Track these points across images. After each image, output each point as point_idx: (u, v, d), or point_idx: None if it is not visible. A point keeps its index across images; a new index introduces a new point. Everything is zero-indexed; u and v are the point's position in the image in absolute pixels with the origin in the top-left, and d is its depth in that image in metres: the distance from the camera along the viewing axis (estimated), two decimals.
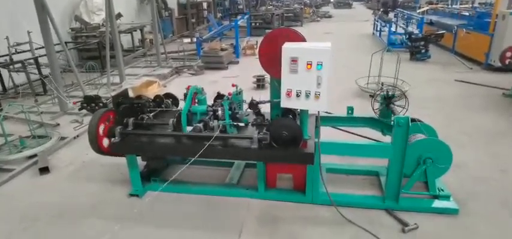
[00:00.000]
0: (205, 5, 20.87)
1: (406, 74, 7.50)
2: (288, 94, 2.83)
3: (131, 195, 3.72)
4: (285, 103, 2.90)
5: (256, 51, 11.39)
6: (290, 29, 2.98)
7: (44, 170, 4.24)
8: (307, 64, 2.70)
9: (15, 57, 7.43)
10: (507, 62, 6.44)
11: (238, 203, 3.53)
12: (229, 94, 3.42)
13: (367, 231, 3.05)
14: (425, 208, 3.30)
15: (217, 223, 3.28)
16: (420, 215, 3.23)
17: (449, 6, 16.38)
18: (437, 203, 3.33)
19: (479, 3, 16.92)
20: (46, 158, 4.47)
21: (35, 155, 4.56)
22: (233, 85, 3.57)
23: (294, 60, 2.72)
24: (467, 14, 11.33)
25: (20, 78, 7.84)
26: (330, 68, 2.70)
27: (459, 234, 3.02)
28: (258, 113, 3.44)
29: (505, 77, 7.57)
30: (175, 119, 3.41)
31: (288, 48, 2.74)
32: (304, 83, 2.77)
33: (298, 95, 2.81)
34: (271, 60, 2.92)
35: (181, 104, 3.62)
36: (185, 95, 3.47)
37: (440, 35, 10.26)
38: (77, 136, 5.28)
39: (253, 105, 3.36)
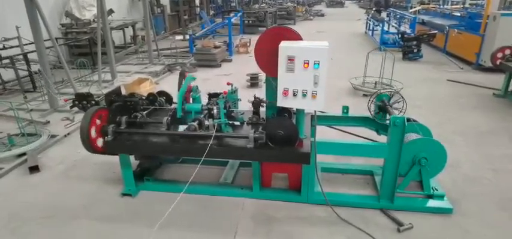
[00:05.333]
0: (197, 1, 20.72)
1: (398, 73, 7.56)
2: (285, 93, 2.81)
3: (124, 194, 3.66)
4: (281, 102, 2.87)
5: (250, 49, 11.38)
6: (287, 27, 2.95)
7: (34, 169, 4.14)
8: (304, 63, 2.68)
9: (3, 53, 7.25)
10: (498, 62, 6.50)
11: (233, 203, 3.50)
12: (225, 92, 3.39)
13: (363, 231, 3.05)
14: (420, 208, 3.32)
15: (212, 223, 3.24)
16: (415, 214, 3.24)
17: (441, 6, 16.55)
18: (432, 203, 3.35)
19: (469, 4, 17.13)
20: (36, 156, 4.38)
21: (24, 154, 4.46)
22: (228, 83, 3.54)
23: (290, 59, 2.70)
24: (458, 14, 11.45)
25: (8, 74, 7.67)
26: (327, 67, 2.69)
27: (453, 233, 3.04)
28: (255, 112, 3.42)
29: (494, 77, 7.68)
30: (169, 118, 3.37)
31: (285, 47, 2.71)
32: (301, 82, 2.75)
33: (295, 94, 2.79)
34: (267, 58, 2.89)
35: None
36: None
37: (432, 34, 10.37)
38: (68, 134, 5.18)
39: (256, 104, 3.32)
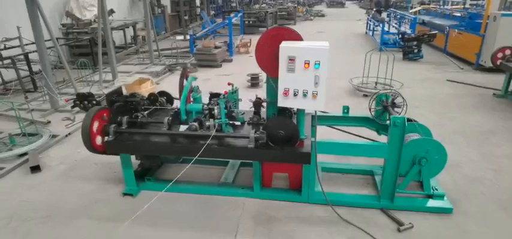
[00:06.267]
0: (198, 2, 20.75)
1: (399, 73, 7.57)
2: (285, 93, 2.82)
3: (125, 194, 3.67)
4: (282, 102, 2.88)
5: (250, 49, 11.39)
6: (287, 27, 2.96)
7: (35, 168, 4.15)
8: (305, 63, 2.69)
9: (5, 53, 7.27)
10: (498, 62, 6.51)
11: (234, 203, 3.51)
12: (226, 93, 3.40)
13: (363, 230, 3.06)
14: (420, 207, 3.32)
15: (212, 223, 3.25)
16: (415, 214, 3.25)
17: (441, 6, 16.55)
18: (432, 203, 3.36)
19: (470, 4, 17.13)
20: (37, 156, 4.39)
21: (25, 154, 4.48)
22: (229, 83, 3.55)
23: (291, 59, 2.70)
24: (459, 14, 11.46)
25: (9, 74, 7.68)
26: (327, 67, 2.70)
27: (453, 233, 3.05)
28: (255, 112, 3.43)
29: (495, 77, 7.69)
30: (170, 118, 3.38)
31: (286, 47, 2.72)
32: (302, 82, 2.76)
33: (295, 94, 2.80)
34: (268, 59, 2.90)
35: (176, 103, 3.59)
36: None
37: (432, 35, 10.38)
38: (69, 133, 5.19)
39: (257, 104, 3.34)
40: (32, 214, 3.41)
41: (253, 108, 3.47)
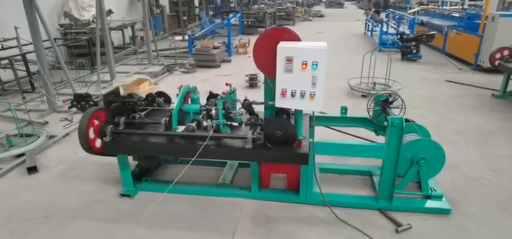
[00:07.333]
0: (197, 2, 20.74)
1: (397, 73, 7.56)
2: (283, 94, 2.81)
3: (122, 195, 3.65)
4: (279, 103, 2.87)
5: (249, 50, 11.38)
6: (285, 28, 2.95)
7: (32, 169, 4.13)
8: (303, 64, 2.68)
9: (2, 54, 7.24)
10: (496, 63, 6.51)
11: (232, 204, 3.50)
12: (223, 93, 3.39)
13: (361, 231, 3.05)
14: (418, 208, 3.32)
15: (210, 224, 3.24)
16: (413, 215, 3.24)
17: (440, 7, 16.56)
18: (430, 203, 3.35)
19: (468, 5, 17.14)
20: (34, 157, 4.37)
21: (22, 154, 4.46)
22: (227, 84, 3.54)
23: (289, 60, 2.69)
24: (457, 15, 11.47)
25: (6, 75, 7.66)
26: (325, 67, 2.69)
27: (452, 234, 3.04)
28: (251, 112, 3.41)
29: (493, 78, 7.70)
30: (167, 118, 3.36)
31: (283, 48, 2.71)
32: (299, 82, 2.75)
33: (293, 95, 2.79)
34: (265, 59, 2.89)
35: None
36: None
37: (431, 35, 10.38)
38: (67, 134, 5.18)
39: (247, 105, 3.33)
40: (31, 214, 3.39)
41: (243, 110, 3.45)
